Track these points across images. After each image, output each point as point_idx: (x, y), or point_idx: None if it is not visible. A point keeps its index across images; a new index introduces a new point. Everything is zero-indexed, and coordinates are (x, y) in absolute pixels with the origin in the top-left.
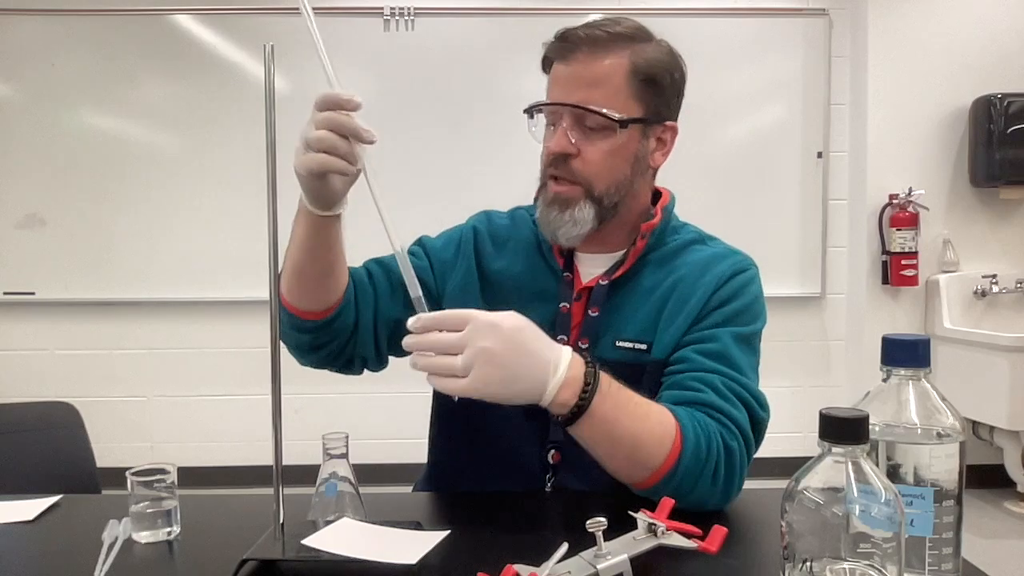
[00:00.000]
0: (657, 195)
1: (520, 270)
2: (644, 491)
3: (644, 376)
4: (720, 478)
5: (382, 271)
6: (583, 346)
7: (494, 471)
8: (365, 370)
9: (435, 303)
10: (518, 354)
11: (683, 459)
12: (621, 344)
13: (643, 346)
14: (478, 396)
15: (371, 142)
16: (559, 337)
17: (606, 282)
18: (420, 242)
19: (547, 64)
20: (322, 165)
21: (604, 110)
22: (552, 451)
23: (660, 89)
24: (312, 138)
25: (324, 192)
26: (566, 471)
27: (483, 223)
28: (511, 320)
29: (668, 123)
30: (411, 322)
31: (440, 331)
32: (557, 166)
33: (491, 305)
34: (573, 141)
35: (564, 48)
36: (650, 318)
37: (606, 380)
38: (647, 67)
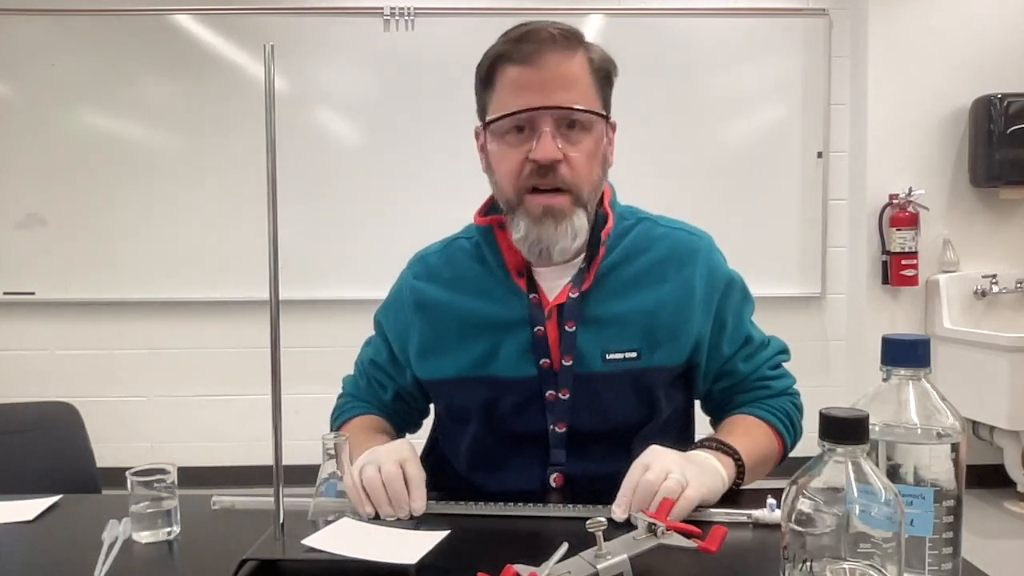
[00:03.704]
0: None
1: (482, 304)
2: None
3: (638, 382)
4: (800, 425)
5: (376, 369)
6: (567, 364)
7: (495, 493)
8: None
9: (406, 366)
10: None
11: (786, 443)
12: (612, 357)
13: (633, 354)
14: (706, 492)
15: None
16: (541, 361)
17: (576, 295)
18: (377, 321)
19: (492, 70)
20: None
21: (590, 108)
22: (554, 475)
23: (611, 84)
24: (369, 494)
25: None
26: (571, 487)
27: (419, 272)
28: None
29: (612, 119)
30: (621, 515)
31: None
32: (545, 175)
33: (467, 343)
34: (560, 146)
35: (530, 50)
36: (634, 325)
37: (745, 456)
38: (601, 63)
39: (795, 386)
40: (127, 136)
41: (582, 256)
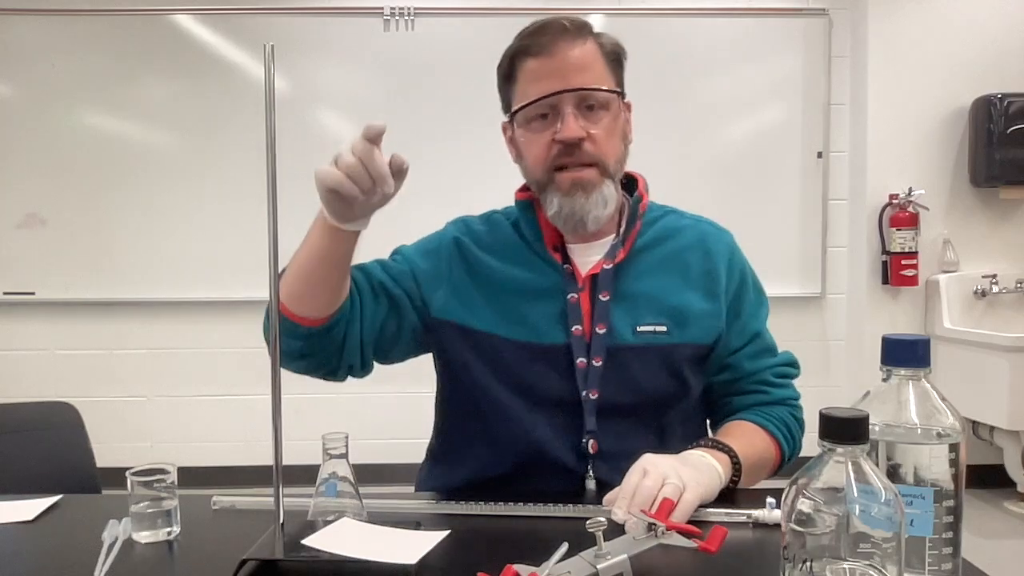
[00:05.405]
0: (632, 180)
1: (517, 271)
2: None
3: (667, 357)
4: (800, 438)
5: (363, 278)
6: (600, 331)
7: (524, 466)
8: (349, 376)
9: (419, 309)
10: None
11: (783, 453)
12: (642, 329)
13: (663, 328)
14: (703, 492)
15: (388, 193)
16: (573, 328)
17: (610, 266)
18: (399, 251)
19: (512, 66)
20: (337, 183)
21: (606, 87)
22: (590, 440)
23: (622, 67)
24: (344, 163)
25: (339, 207)
26: (602, 460)
27: (462, 230)
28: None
29: (628, 100)
30: (622, 516)
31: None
32: (571, 154)
33: (495, 307)
34: (582, 125)
35: (545, 41)
36: (663, 303)
37: (741, 456)
38: (611, 47)
39: (799, 401)
40: (127, 136)
41: (615, 233)
